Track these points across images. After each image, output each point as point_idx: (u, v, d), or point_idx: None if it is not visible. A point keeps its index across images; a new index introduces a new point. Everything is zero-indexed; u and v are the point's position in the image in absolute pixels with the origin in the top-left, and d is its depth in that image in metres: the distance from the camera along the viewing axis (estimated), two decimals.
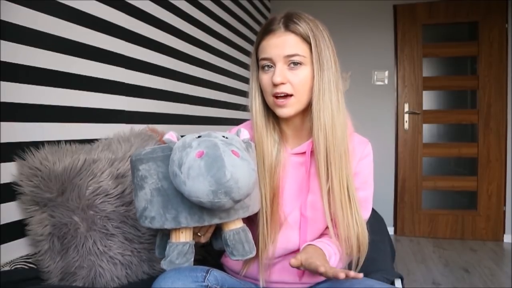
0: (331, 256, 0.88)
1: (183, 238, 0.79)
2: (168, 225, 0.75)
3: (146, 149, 0.79)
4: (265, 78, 0.87)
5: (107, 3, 1.34)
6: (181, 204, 0.74)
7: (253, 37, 2.95)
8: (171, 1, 1.76)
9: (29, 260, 1.00)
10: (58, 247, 0.97)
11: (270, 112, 0.93)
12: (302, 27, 0.85)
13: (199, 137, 0.73)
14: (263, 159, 0.90)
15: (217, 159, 0.66)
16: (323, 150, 0.87)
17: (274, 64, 0.86)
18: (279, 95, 0.86)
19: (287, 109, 0.87)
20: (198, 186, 0.66)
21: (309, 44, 0.85)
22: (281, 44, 0.85)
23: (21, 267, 0.97)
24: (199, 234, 0.84)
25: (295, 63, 0.85)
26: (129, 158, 0.81)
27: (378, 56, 3.26)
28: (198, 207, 0.73)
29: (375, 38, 3.26)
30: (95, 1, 1.29)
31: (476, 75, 3.10)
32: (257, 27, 3.06)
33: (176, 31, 1.80)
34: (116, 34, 1.39)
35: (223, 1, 2.36)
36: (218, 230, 0.87)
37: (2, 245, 0.97)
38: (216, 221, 0.77)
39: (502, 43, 3.00)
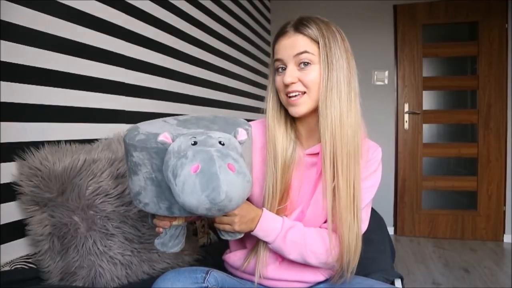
0: (275, 224, 0.88)
1: (176, 222, 0.82)
2: (162, 213, 0.78)
3: (140, 133, 0.78)
4: (278, 79, 0.91)
5: (107, 3, 1.34)
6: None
7: (253, 37, 2.95)
8: (171, 1, 1.76)
9: (29, 260, 1.00)
10: (58, 247, 0.98)
11: (286, 113, 0.94)
12: (311, 28, 0.87)
13: (195, 143, 0.71)
14: (274, 158, 0.90)
15: (212, 177, 0.65)
16: (329, 148, 0.87)
17: (286, 66, 0.88)
18: (291, 94, 0.87)
19: (299, 107, 0.88)
20: (192, 202, 0.65)
21: (318, 43, 0.87)
22: (291, 45, 0.87)
23: (21, 267, 0.97)
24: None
25: (305, 63, 0.86)
26: (123, 139, 0.80)
27: (378, 56, 3.26)
28: None
29: (375, 38, 3.26)
30: (95, 1, 1.29)
31: (476, 75, 3.10)
32: (257, 27, 3.06)
33: (176, 31, 1.80)
34: (116, 34, 1.39)
35: (223, 1, 2.36)
36: None
37: (2, 245, 0.97)
38: None
39: (502, 43, 3.00)
